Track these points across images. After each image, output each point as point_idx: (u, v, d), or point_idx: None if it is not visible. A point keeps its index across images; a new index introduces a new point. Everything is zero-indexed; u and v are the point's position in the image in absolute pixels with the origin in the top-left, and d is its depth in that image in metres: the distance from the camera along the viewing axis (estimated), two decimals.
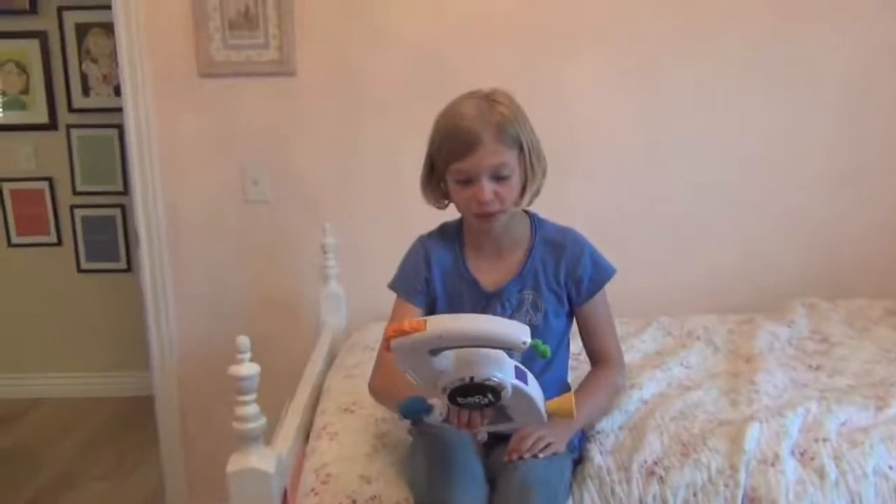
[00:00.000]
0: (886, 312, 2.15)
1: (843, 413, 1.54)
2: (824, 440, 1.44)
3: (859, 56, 2.29)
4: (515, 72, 2.22)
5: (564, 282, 1.48)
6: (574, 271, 1.47)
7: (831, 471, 1.38)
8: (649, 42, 2.27)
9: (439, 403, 1.21)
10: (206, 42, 2.24)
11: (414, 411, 1.24)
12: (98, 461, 2.91)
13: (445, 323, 1.13)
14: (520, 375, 1.18)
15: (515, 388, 1.16)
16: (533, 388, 1.20)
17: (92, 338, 3.53)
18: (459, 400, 1.17)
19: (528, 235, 1.50)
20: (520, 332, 1.12)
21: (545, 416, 1.23)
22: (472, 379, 1.14)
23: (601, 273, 1.50)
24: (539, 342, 1.13)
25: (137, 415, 3.18)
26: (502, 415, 1.22)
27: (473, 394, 1.16)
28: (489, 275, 1.48)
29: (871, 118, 2.32)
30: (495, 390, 1.15)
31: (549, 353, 1.16)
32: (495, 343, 1.13)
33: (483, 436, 1.27)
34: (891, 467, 1.39)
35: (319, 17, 2.24)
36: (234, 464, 1.29)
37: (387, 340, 1.14)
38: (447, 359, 1.15)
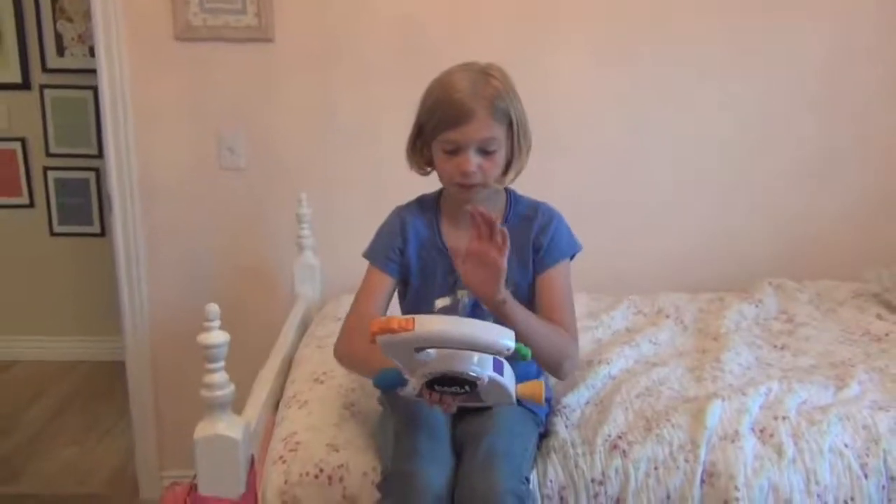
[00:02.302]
0: (852, 294, 2.19)
1: (803, 392, 1.57)
2: (783, 418, 1.48)
3: (833, 47, 2.30)
4: (498, 49, 2.15)
5: (532, 247, 1.48)
6: (539, 237, 1.47)
7: (789, 448, 1.41)
8: (631, 27, 2.27)
9: (414, 380, 1.23)
10: (183, 5, 2.20)
11: (389, 383, 1.27)
12: (69, 426, 2.91)
13: (434, 325, 1.15)
14: (497, 367, 1.21)
15: (492, 380, 1.20)
16: (507, 377, 1.23)
17: (64, 302, 3.50)
18: (437, 387, 1.21)
19: (504, 210, 1.51)
20: (505, 339, 1.14)
21: (515, 399, 1.26)
22: (451, 372, 1.18)
23: (565, 243, 1.49)
24: (521, 346, 1.16)
25: (109, 380, 3.18)
26: (475, 397, 1.25)
27: (451, 384, 1.20)
28: (463, 246, 1.49)
29: (842, 106, 2.34)
30: (472, 382, 1.19)
31: (530, 356, 1.18)
32: (481, 348, 1.16)
33: (452, 409, 1.29)
34: (846, 445, 1.42)
35: None
36: (201, 430, 1.29)
37: (372, 334, 1.15)
38: (431, 353, 1.18)
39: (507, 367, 1.23)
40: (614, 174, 2.36)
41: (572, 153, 2.33)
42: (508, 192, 1.53)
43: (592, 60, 2.29)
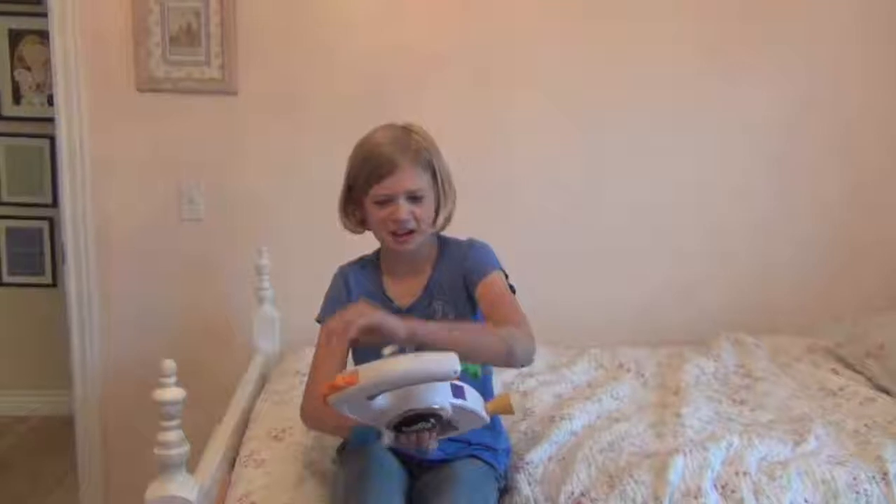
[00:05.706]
0: (807, 349, 2.23)
1: (763, 447, 1.58)
2: (745, 474, 1.48)
3: (790, 104, 2.40)
4: (457, 102, 2.27)
5: (463, 276, 1.49)
6: (465, 262, 1.50)
7: None
8: (588, 82, 2.34)
9: (384, 430, 1.23)
10: (146, 57, 2.20)
11: (366, 439, 1.29)
12: (11, 483, 2.78)
13: (377, 371, 1.14)
14: (457, 392, 1.21)
15: (455, 407, 1.19)
16: (471, 399, 1.23)
17: (10, 354, 3.38)
18: (404, 429, 1.20)
19: (436, 253, 1.55)
20: (449, 365, 1.14)
21: (487, 418, 1.26)
22: (411, 411, 1.17)
23: (489, 257, 1.50)
24: (468, 365, 1.18)
25: (55, 436, 3.06)
26: (448, 426, 1.25)
27: (416, 422, 1.19)
28: (402, 294, 1.52)
29: (794, 165, 2.43)
30: (436, 414, 1.18)
31: (479, 373, 1.21)
32: (428, 379, 1.16)
33: (433, 449, 1.27)
34: (806, 501, 1.43)
35: (263, 38, 2.23)
36: (154, 491, 1.25)
37: (323, 397, 1.15)
38: (385, 399, 1.17)
39: (469, 390, 1.23)
40: (574, 231, 2.40)
41: (530, 206, 2.36)
42: (439, 236, 1.56)
43: (551, 122, 2.35)
